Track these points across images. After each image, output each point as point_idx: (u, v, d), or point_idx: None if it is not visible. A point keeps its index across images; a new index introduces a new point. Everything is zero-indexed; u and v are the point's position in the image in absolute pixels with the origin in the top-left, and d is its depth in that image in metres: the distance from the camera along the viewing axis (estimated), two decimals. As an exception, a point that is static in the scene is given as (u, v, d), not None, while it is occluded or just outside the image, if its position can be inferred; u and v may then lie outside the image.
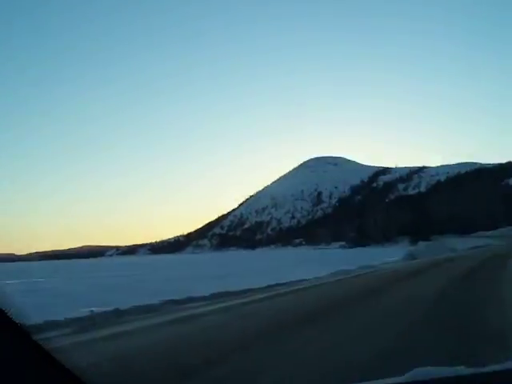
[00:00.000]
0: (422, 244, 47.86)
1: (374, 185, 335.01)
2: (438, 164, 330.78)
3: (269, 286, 19.09)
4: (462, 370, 2.04)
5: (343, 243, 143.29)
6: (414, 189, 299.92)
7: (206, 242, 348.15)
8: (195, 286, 20.75)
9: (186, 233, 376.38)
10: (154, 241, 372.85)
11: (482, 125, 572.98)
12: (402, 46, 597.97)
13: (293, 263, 44.05)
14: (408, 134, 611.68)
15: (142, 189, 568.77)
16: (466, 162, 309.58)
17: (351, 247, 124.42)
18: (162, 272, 39.88)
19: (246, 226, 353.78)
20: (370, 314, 10.45)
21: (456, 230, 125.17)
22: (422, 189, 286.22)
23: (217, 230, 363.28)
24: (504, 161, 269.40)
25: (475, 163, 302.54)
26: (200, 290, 17.23)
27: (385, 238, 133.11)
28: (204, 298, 15.92)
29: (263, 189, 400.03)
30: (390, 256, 41.67)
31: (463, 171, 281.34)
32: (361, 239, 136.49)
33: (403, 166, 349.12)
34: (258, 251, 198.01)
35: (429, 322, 9.30)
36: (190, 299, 15.52)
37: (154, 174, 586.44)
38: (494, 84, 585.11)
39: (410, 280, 19.25)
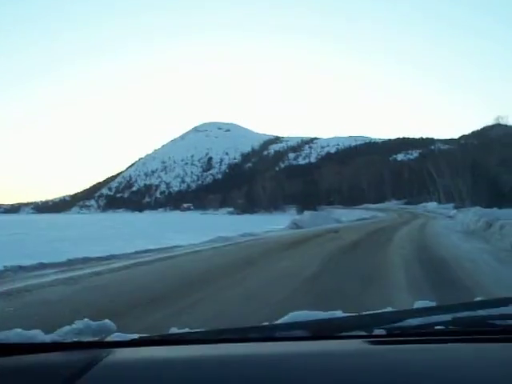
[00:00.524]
0: (307, 214, 46.56)
1: (265, 153, 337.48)
2: (330, 136, 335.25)
3: (136, 253, 17.36)
4: (338, 313, 2.10)
5: (231, 209, 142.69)
6: (304, 159, 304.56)
7: (92, 202, 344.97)
8: (59, 248, 19.32)
9: (72, 193, 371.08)
10: (38, 200, 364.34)
11: (374, 101, 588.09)
12: (292, 15, 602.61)
13: (175, 228, 42.35)
14: (301, 105, 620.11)
15: (26, 144, 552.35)
16: (357, 136, 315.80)
17: (239, 214, 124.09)
18: (33, 233, 37.62)
19: (134, 188, 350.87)
20: (226, 303, 8.51)
21: (344, 201, 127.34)
22: (313, 159, 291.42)
23: (104, 192, 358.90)
24: (393, 137, 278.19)
25: (365, 137, 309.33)
26: (58, 255, 15.52)
27: (273, 206, 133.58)
28: (58, 265, 14.10)
29: (153, 152, 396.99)
30: (275, 224, 40.64)
31: (353, 144, 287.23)
32: (249, 206, 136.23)
33: (295, 136, 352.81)
34: (145, 214, 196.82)
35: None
36: (42, 265, 13.78)
37: (39, 130, 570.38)
38: (386, 63, 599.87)
39: (288, 251, 17.70)
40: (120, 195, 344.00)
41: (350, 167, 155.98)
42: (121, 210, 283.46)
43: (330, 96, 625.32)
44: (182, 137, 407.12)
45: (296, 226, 37.25)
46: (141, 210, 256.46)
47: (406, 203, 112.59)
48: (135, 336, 1.77)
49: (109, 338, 1.81)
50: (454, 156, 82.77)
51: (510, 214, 31.65)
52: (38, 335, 1.89)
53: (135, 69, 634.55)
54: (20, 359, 1.46)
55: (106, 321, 2.30)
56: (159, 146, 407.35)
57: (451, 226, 31.25)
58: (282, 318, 2.04)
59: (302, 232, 30.33)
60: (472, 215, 30.69)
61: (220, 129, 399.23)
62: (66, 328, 2.18)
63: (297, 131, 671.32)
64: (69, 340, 1.81)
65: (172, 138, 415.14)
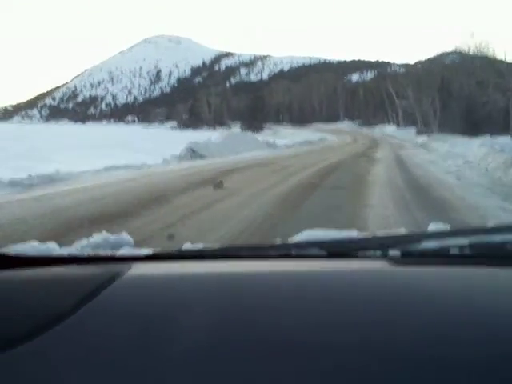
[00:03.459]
0: (222, 134, 32.58)
1: (216, 67, 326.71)
2: (284, 55, 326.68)
3: None
4: (354, 233, 2.14)
5: (175, 124, 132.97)
6: (256, 75, 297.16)
7: (35, 112, 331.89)
8: None
9: (15, 103, 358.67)
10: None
11: (330, 21, 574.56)
12: None
13: (74, 147, 32.11)
14: (255, 21, 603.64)
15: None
16: (312, 56, 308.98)
17: (182, 129, 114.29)
18: None
19: (79, 99, 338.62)
20: None
21: (294, 120, 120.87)
22: (265, 76, 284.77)
23: (48, 102, 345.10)
24: (348, 59, 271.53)
25: (320, 58, 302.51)
26: None
27: (218, 122, 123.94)
28: None
29: (101, 63, 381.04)
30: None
31: (308, 63, 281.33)
32: (193, 122, 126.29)
33: (248, 53, 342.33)
34: (86, 126, 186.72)
35: None
36: None
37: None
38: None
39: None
40: (64, 106, 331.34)
41: (303, 85, 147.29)
42: (64, 120, 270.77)
43: (285, 14, 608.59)
44: (131, 48, 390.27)
45: (193, 153, 23.77)
46: (84, 122, 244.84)
47: (360, 124, 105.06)
48: (149, 251, 1.72)
49: (122, 252, 1.79)
50: (419, 76, 73.10)
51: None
52: (55, 248, 1.92)
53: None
54: (38, 271, 1.41)
55: (124, 234, 2.33)
56: (107, 58, 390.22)
57: (453, 169, 17.75)
58: (297, 236, 2.05)
59: (185, 172, 17.28)
60: (484, 151, 19.18)
61: (171, 41, 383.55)
62: (84, 241, 2.28)
63: (250, 48, 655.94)
64: (86, 254, 1.74)
65: (121, 50, 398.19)
